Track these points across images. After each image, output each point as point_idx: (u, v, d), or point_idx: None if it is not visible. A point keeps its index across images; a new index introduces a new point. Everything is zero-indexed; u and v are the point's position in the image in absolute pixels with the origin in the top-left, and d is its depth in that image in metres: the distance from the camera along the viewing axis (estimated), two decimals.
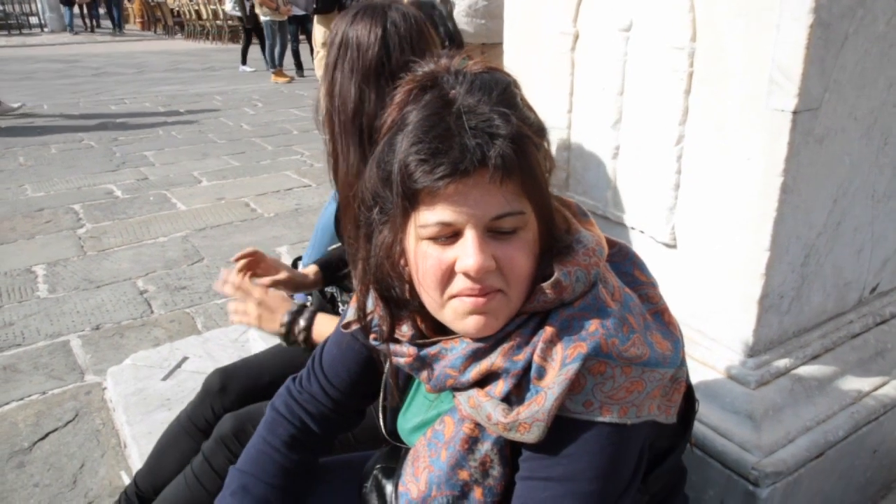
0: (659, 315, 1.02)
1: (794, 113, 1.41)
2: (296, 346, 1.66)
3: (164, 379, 2.61)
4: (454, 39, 2.44)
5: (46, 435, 2.45)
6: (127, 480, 2.15)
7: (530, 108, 0.96)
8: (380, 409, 1.22)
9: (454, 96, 0.88)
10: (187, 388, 2.51)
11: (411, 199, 0.87)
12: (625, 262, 1.09)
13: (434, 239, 0.88)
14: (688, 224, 1.68)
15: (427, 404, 1.14)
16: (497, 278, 0.89)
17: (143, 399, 2.49)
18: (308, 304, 1.79)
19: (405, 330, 1.03)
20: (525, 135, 0.87)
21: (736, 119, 1.52)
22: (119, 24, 21.82)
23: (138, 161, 6.34)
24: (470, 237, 0.86)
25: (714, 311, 1.67)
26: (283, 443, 1.24)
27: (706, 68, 1.56)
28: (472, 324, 0.91)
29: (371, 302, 1.07)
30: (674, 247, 1.73)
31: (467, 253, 0.86)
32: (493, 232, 0.87)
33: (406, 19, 1.52)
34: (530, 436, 0.88)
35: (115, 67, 13.31)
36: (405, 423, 1.19)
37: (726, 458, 1.51)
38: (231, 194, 5.31)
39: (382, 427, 1.22)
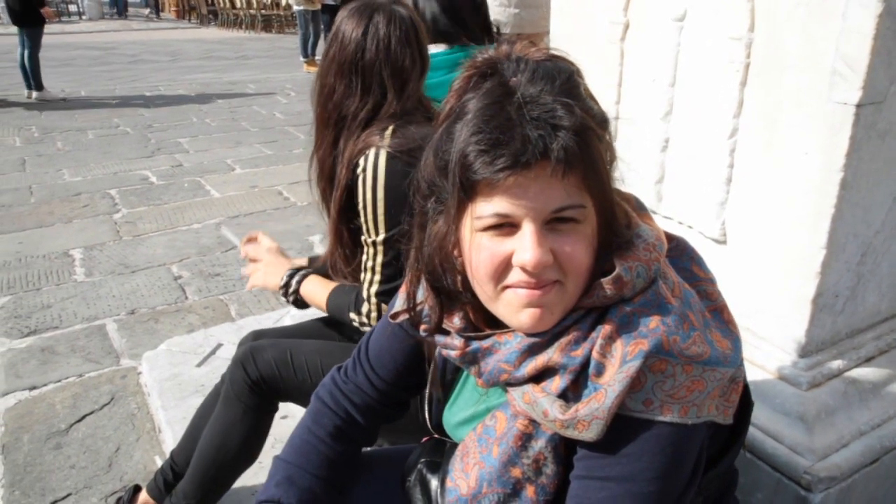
0: (718, 313, 0.99)
1: (858, 106, 1.35)
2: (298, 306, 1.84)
3: (199, 365, 2.62)
4: (490, 30, 2.40)
5: (83, 417, 2.47)
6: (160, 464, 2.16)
7: (593, 98, 0.92)
8: (426, 401, 1.19)
9: (515, 84, 0.85)
10: (222, 374, 2.51)
11: (469, 191, 0.84)
12: (682, 257, 1.05)
13: (489, 230, 0.86)
14: (739, 220, 1.64)
15: (476, 398, 1.12)
16: (554, 271, 0.86)
17: (178, 385, 2.50)
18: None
19: (457, 322, 1.01)
20: (588, 126, 0.83)
21: (793, 112, 1.46)
22: (157, 10, 22.36)
23: (173, 148, 6.40)
24: (528, 231, 0.83)
25: (765, 310, 1.62)
26: (328, 433, 1.22)
27: (763, 59, 1.51)
28: (526, 317, 0.88)
29: (422, 292, 1.05)
30: (724, 243, 1.68)
31: (525, 247, 0.84)
32: (551, 224, 0.85)
33: (391, 21, 1.58)
34: (589, 434, 0.85)
35: (151, 55, 13.45)
36: (451, 416, 1.16)
37: (776, 460, 1.47)
38: (264, 182, 5.33)
39: (427, 420, 1.20)
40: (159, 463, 2.21)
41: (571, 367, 0.88)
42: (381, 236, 1.56)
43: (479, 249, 0.88)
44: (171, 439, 2.22)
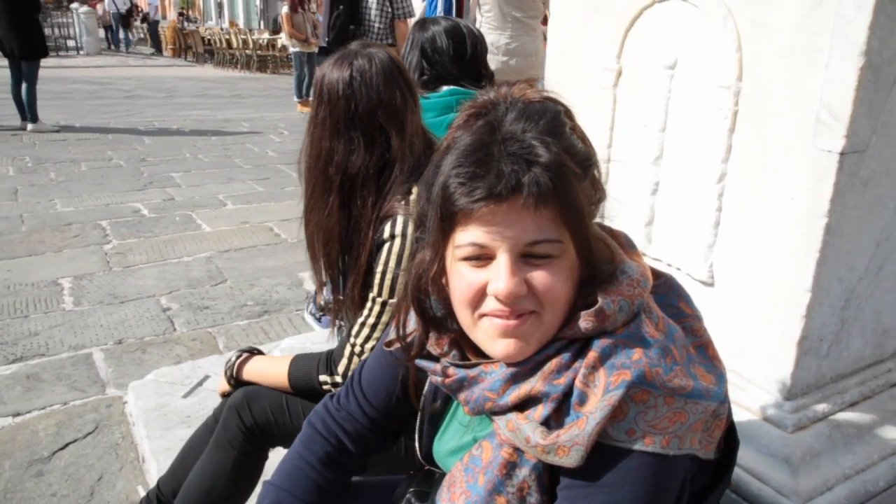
0: (703, 348, 1.01)
1: (841, 154, 1.41)
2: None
3: (185, 396, 2.60)
4: (481, 76, 2.49)
5: (66, 445, 2.44)
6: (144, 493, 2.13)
7: (584, 139, 0.97)
8: (416, 430, 1.20)
9: (501, 123, 0.90)
10: (208, 407, 2.49)
11: (449, 220, 0.89)
12: (670, 293, 1.08)
13: (468, 260, 0.90)
14: (726, 262, 1.67)
15: (463, 429, 1.13)
16: (530, 301, 0.89)
17: (164, 415, 2.48)
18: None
19: (447, 350, 1.04)
20: (564, 164, 0.87)
21: (780, 158, 1.52)
22: (160, 48, 22.84)
23: (165, 182, 6.42)
24: (502, 261, 0.87)
25: (750, 352, 1.65)
26: (318, 459, 1.23)
27: (751, 107, 1.56)
28: (501, 347, 0.92)
29: (413, 321, 1.07)
30: (711, 285, 1.72)
31: (498, 276, 0.87)
32: (527, 257, 0.88)
33: (372, 64, 1.55)
34: (569, 460, 0.87)
35: (147, 91, 13.57)
36: (441, 446, 1.17)
37: (762, 501, 1.48)
38: (255, 218, 5.35)
39: (418, 449, 1.20)
40: (142, 493, 2.18)
41: (554, 394, 0.90)
42: (394, 299, 1.54)
43: (458, 277, 0.92)
44: (155, 469, 2.19)
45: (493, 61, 4.02)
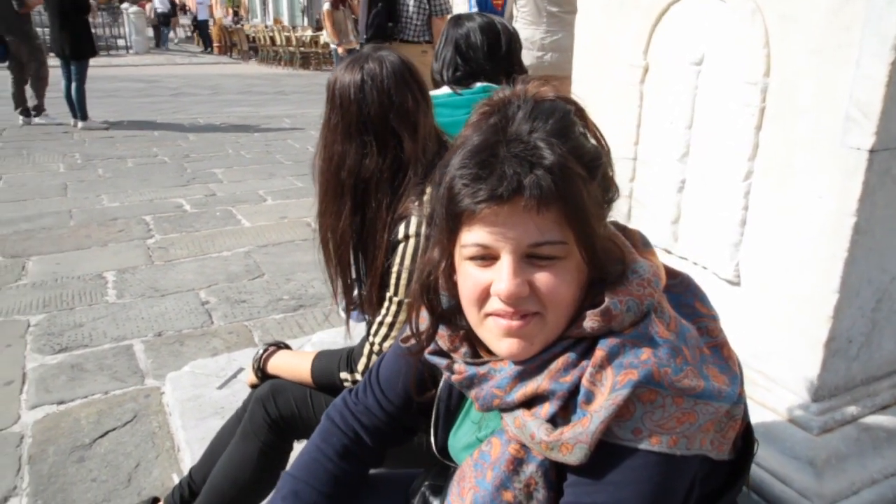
0: (717, 349, 1.00)
1: (871, 151, 1.38)
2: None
3: (220, 388, 2.66)
4: (513, 73, 2.48)
5: (106, 433, 2.53)
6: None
7: (595, 136, 0.97)
8: (431, 425, 1.22)
9: (511, 123, 0.91)
10: (241, 398, 2.52)
11: (455, 219, 0.90)
12: (686, 293, 1.07)
13: (474, 259, 0.91)
14: (753, 261, 1.65)
15: (475, 425, 1.15)
16: (533, 302, 0.90)
17: (199, 405, 2.55)
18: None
19: (459, 347, 1.05)
20: (567, 166, 0.87)
21: (807, 156, 1.49)
22: (209, 45, 23.27)
23: (207, 178, 6.56)
24: (505, 262, 0.88)
25: (777, 352, 1.63)
26: (335, 452, 1.26)
27: (778, 104, 1.54)
28: (506, 346, 0.93)
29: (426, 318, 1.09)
30: (737, 284, 1.70)
31: (501, 277, 0.88)
32: (532, 258, 0.89)
33: (383, 67, 1.55)
34: (572, 457, 0.88)
35: (192, 88, 13.85)
36: (456, 441, 1.19)
37: None
38: (294, 214, 5.43)
39: (433, 444, 1.22)
40: (176, 480, 2.24)
41: (560, 392, 0.91)
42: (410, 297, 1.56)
43: (465, 276, 0.93)
44: (189, 458, 2.26)
45: (529, 57, 4.00)
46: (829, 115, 1.43)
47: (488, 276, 0.91)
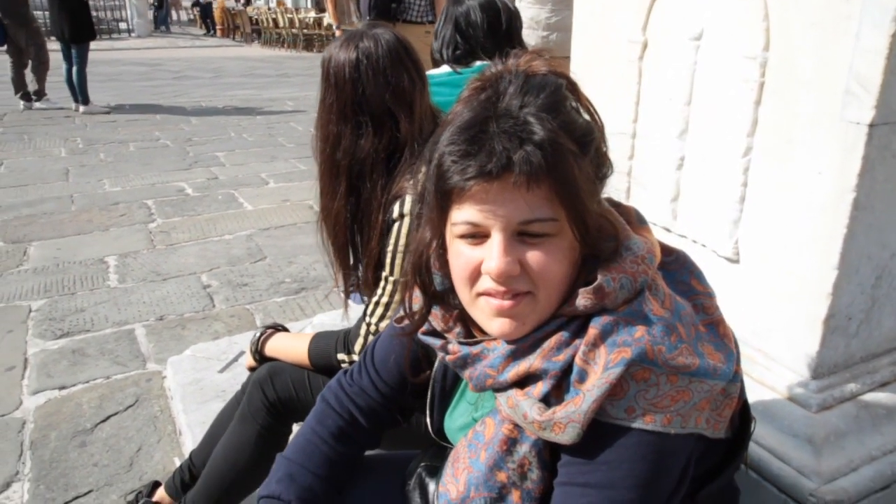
0: (713, 326, 0.99)
1: (871, 126, 1.35)
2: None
3: (221, 371, 2.67)
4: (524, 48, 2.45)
5: (108, 418, 2.54)
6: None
7: (588, 110, 0.95)
8: (427, 406, 1.21)
9: (502, 98, 0.89)
10: (242, 381, 2.55)
11: (444, 197, 0.89)
12: (681, 270, 1.06)
13: (465, 237, 0.90)
14: (752, 238, 1.63)
15: (471, 406, 1.14)
16: (525, 281, 0.89)
17: (200, 389, 2.55)
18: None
19: (452, 327, 1.04)
20: (558, 142, 0.85)
21: (807, 131, 1.46)
22: (213, 28, 23.16)
23: (210, 161, 6.55)
24: (496, 240, 0.87)
25: (776, 330, 1.61)
26: (330, 434, 1.25)
27: (777, 79, 1.51)
28: (497, 325, 0.92)
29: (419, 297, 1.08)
30: (736, 261, 1.68)
31: (491, 255, 0.87)
32: (523, 235, 0.88)
33: (378, 45, 1.52)
34: (565, 437, 0.87)
35: (194, 71, 13.81)
36: (451, 422, 1.18)
37: (782, 482, 1.45)
38: (296, 196, 5.42)
39: (429, 425, 1.22)
40: (178, 464, 2.25)
41: (552, 371, 0.90)
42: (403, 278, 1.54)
43: (456, 255, 0.92)
44: (190, 442, 2.26)
45: (533, 37, 3.96)
46: (828, 90, 1.41)
47: (479, 254, 0.90)
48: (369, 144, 1.53)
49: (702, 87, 1.70)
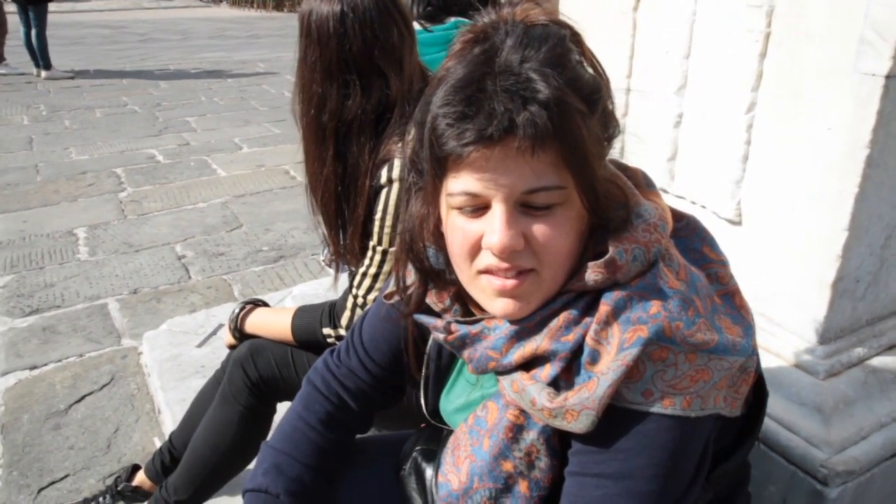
0: (729, 297, 0.92)
1: (888, 77, 1.27)
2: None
3: (200, 346, 2.58)
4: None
5: (82, 398, 2.44)
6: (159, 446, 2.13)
7: (594, 66, 0.86)
8: (421, 386, 1.13)
9: (499, 52, 0.79)
10: (222, 356, 2.42)
11: (439, 165, 0.80)
12: (693, 237, 0.98)
13: (463, 210, 0.81)
14: (756, 199, 1.56)
15: (470, 386, 1.06)
16: (528, 258, 0.80)
17: (178, 365, 2.46)
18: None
19: (449, 305, 0.96)
20: (565, 101, 0.76)
21: (816, 85, 1.38)
22: None
23: (180, 126, 6.35)
24: (497, 212, 0.78)
25: (781, 295, 1.55)
26: (318, 420, 1.17)
27: (784, 28, 1.42)
28: (500, 306, 0.84)
29: (413, 274, 0.99)
30: (738, 224, 1.60)
31: (493, 229, 0.78)
32: (526, 206, 0.79)
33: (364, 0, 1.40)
34: (578, 425, 0.79)
35: (161, 34, 13.38)
36: (448, 403, 1.10)
37: (791, 453, 1.40)
38: (271, 161, 5.27)
39: (424, 406, 1.14)
40: (158, 444, 2.17)
41: (562, 353, 0.82)
42: (395, 246, 1.46)
43: (453, 229, 0.83)
44: (170, 420, 2.18)
45: None
46: (841, 39, 1.32)
47: (479, 227, 0.80)
48: (357, 105, 1.42)
49: (701, 39, 1.60)
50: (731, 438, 0.99)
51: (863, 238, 1.42)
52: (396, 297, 1.05)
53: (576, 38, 0.84)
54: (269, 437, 1.20)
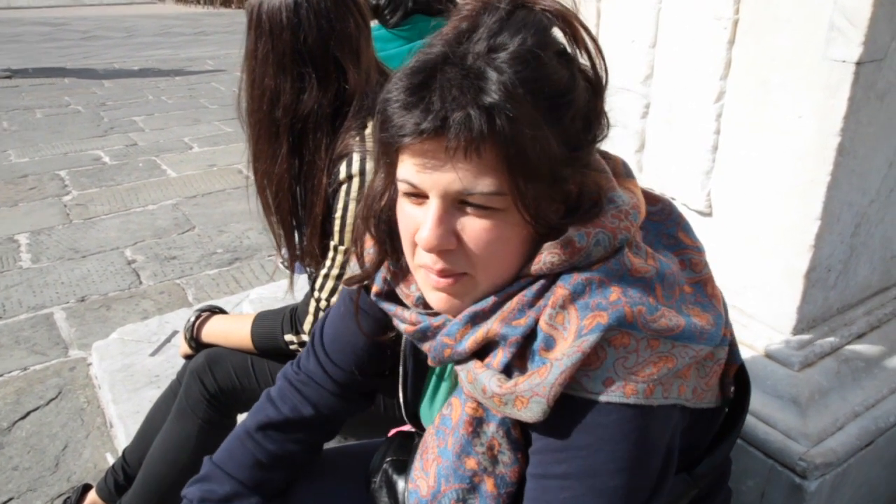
0: (700, 286, 0.88)
1: (858, 64, 1.25)
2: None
3: (153, 354, 2.46)
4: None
5: (27, 414, 2.30)
6: (112, 462, 2.02)
7: (591, 60, 0.81)
8: (399, 389, 1.07)
9: (471, 37, 0.74)
10: (177, 365, 2.34)
11: (389, 149, 0.77)
12: (668, 221, 0.94)
13: (410, 196, 0.78)
14: (726, 190, 1.53)
15: (448, 385, 1.00)
16: (461, 260, 0.77)
17: (131, 376, 2.35)
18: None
19: (413, 290, 0.91)
20: (514, 105, 0.69)
21: (786, 72, 1.36)
22: None
23: (127, 126, 6.13)
24: (432, 207, 0.75)
25: (753, 286, 1.53)
26: (259, 430, 1.11)
27: (754, 15, 1.39)
28: (435, 300, 0.82)
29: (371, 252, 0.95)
30: (709, 215, 1.58)
31: (424, 224, 0.75)
32: (463, 204, 0.75)
33: None
34: (528, 413, 0.74)
35: (104, 31, 12.95)
36: (432, 407, 1.04)
37: (769, 446, 1.38)
38: (223, 161, 5.12)
39: (403, 410, 1.07)
40: (111, 460, 2.06)
41: (512, 337, 0.77)
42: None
43: (401, 213, 0.81)
44: (123, 435, 2.07)
45: None
46: (811, 26, 1.30)
47: (419, 217, 0.77)
48: (313, 99, 1.35)
49: (668, 28, 1.57)
50: (712, 431, 0.95)
51: (834, 227, 1.41)
52: (357, 284, 1.00)
53: (570, 28, 0.79)
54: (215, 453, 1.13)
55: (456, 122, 0.68)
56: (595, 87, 0.81)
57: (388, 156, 0.79)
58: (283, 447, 1.11)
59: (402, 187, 0.78)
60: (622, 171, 0.91)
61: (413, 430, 1.15)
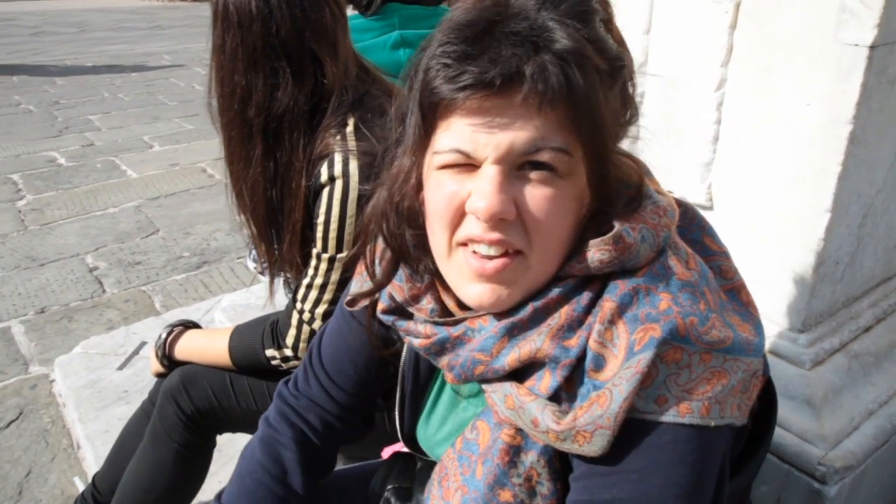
0: (734, 293, 0.81)
1: (871, 48, 1.18)
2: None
3: (121, 368, 2.34)
4: None
5: None
6: (81, 488, 1.89)
7: (619, 39, 0.74)
8: (396, 409, 0.97)
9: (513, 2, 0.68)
10: (147, 378, 2.24)
11: (430, 114, 0.70)
12: (692, 226, 0.87)
13: (450, 168, 0.71)
14: (728, 182, 1.47)
15: (456, 406, 0.92)
16: (518, 234, 0.69)
17: (98, 392, 2.22)
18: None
19: (424, 303, 0.82)
20: (586, 55, 0.65)
21: (793, 57, 1.29)
22: None
23: (83, 125, 5.91)
24: (489, 172, 0.68)
25: (757, 282, 1.46)
26: (283, 471, 1.00)
27: None
28: (475, 293, 0.73)
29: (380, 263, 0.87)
30: (710, 208, 1.52)
31: (481, 190, 0.68)
32: (522, 171, 0.68)
33: None
34: (592, 447, 0.67)
35: (54, 26, 12.55)
36: (429, 430, 0.96)
37: (784, 450, 1.32)
38: (186, 159, 4.96)
39: (399, 432, 0.98)
40: (79, 486, 1.93)
41: (565, 360, 0.70)
42: (343, 253, 1.27)
43: (436, 188, 0.72)
44: (92, 457, 1.95)
45: None
46: (819, 7, 1.23)
47: (466, 188, 0.69)
48: (288, 96, 1.25)
49: (663, 12, 1.50)
50: (738, 451, 0.88)
51: (843, 219, 1.35)
52: (363, 302, 0.91)
53: (604, 4, 0.72)
54: (225, 491, 1.02)
55: (533, 70, 0.63)
56: (629, 65, 0.74)
57: (424, 126, 0.71)
58: (305, 484, 1.01)
59: (443, 159, 0.70)
60: (644, 171, 0.84)
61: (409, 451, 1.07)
